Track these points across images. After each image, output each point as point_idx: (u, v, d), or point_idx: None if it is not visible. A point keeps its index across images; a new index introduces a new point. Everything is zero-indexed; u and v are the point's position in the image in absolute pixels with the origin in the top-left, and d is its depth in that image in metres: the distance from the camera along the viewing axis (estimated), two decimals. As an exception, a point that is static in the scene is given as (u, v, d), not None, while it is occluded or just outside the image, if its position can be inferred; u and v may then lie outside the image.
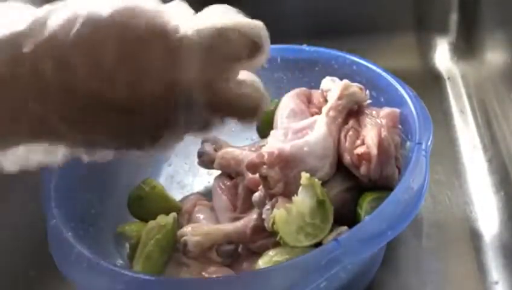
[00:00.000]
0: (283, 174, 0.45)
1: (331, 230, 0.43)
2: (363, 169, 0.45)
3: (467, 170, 0.62)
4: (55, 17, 0.28)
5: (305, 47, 0.60)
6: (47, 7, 0.29)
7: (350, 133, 0.47)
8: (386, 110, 0.49)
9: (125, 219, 0.53)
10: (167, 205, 0.53)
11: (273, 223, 0.42)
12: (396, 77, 0.52)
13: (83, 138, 0.31)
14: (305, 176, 0.43)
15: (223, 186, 0.55)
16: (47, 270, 0.46)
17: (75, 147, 0.32)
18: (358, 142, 0.47)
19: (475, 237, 0.55)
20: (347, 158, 0.46)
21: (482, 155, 0.64)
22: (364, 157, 0.45)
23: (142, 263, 0.47)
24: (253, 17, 0.35)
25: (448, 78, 0.77)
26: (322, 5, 0.83)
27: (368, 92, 0.50)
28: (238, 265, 0.49)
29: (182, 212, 0.54)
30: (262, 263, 0.43)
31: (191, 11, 0.32)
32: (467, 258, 0.53)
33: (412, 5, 0.82)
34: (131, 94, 0.29)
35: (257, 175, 0.46)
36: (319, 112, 0.50)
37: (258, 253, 0.46)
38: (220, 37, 0.30)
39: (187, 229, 0.48)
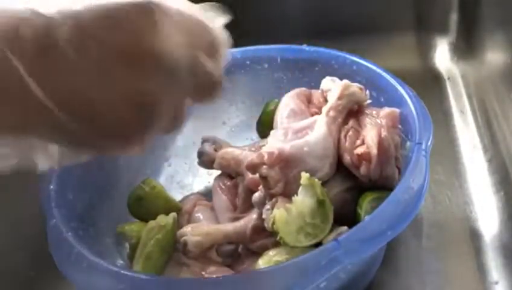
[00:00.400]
0: (283, 174, 0.45)
1: (331, 230, 0.43)
2: (363, 169, 0.45)
3: (467, 170, 0.62)
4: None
5: (305, 47, 0.60)
6: None
7: (350, 133, 0.47)
8: (386, 110, 0.49)
9: (125, 219, 0.53)
10: (167, 205, 0.53)
11: (273, 223, 0.42)
12: (396, 77, 0.52)
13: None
14: (305, 176, 0.43)
15: (223, 186, 0.55)
16: (47, 270, 0.46)
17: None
18: (358, 142, 0.47)
19: (475, 237, 0.55)
20: (347, 158, 0.46)
21: (482, 155, 0.64)
22: (364, 157, 0.45)
23: (142, 263, 0.47)
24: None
25: (448, 78, 0.77)
26: (322, 5, 0.83)
27: (368, 92, 0.50)
28: (238, 265, 0.49)
29: (182, 212, 0.54)
30: (262, 263, 0.43)
31: None
32: (467, 258, 0.53)
33: (412, 5, 0.82)
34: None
35: (257, 175, 0.46)
36: (319, 112, 0.50)
37: (258, 253, 0.46)
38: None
39: (187, 229, 0.48)
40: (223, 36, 0.35)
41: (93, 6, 0.29)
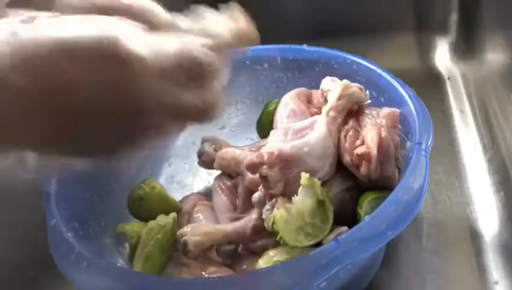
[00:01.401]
0: (283, 174, 0.45)
1: (331, 230, 0.43)
2: (363, 169, 0.45)
3: (467, 170, 0.62)
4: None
5: (305, 47, 0.60)
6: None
7: (350, 133, 0.47)
8: (385, 110, 0.49)
9: (125, 219, 0.53)
10: (167, 205, 0.53)
11: (273, 223, 0.42)
12: (396, 77, 0.52)
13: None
14: (305, 176, 0.43)
15: (223, 186, 0.55)
16: (47, 270, 0.46)
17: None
18: (358, 142, 0.47)
19: (475, 237, 0.55)
20: (347, 158, 0.46)
21: (482, 155, 0.64)
22: (364, 157, 0.45)
23: (142, 263, 0.47)
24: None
25: (448, 78, 0.77)
26: (322, 5, 0.83)
27: (367, 92, 0.50)
28: (238, 265, 0.49)
29: (182, 212, 0.54)
30: (262, 263, 0.43)
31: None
32: (467, 258, 0.53)
33: (412, 5, 0.82)
34: (87, 109, 0.29)
35: (257, 175, 0.46)
36: (319, 112, 0.50)
37: (258, 253, 0.46)
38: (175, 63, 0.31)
39: (187, 229, 0.48)
40: (218, 62, 0.33)
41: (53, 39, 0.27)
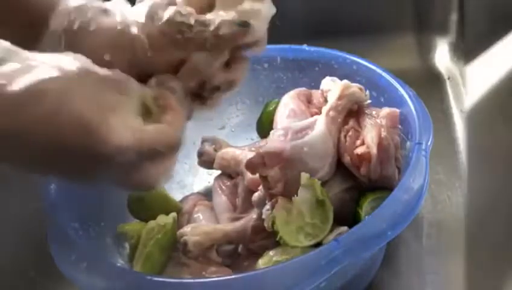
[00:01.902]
0: (283, 174, 0.45)
1: (331, 230, 0.43)
2: (363, 169, 0.45)
3: (467, 170, 0.62)
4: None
5: (305, 47, 0.60)
6: None
7: (350, 133, 0.47)
8: (385, 110, 0.49)
9: (125, 219, 0.53)
10: (167, 205, 0.53)
11: (273, 223, 0.42)
12: (396, 77, 0.52)
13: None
14: (305, 176, 0.43)
15: (223, 186, 0.55)
16: (47, 270, 0.46)
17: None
18: (358, 142, 0.47)
19: (475, 237, 0.55)
20: (347, 158, 0.46)
21: (482, 155, 0.64)
22: (365, 157, 0.45)
23: (142, 263, 0.47)
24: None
25: (448, 78, 0.77)
26: (322, 5, 0.83)
27: (367, 92, 0.50)
28: (238, 265, 0.49)
29: (182, 212, 0.54)
30: (262, 263, 0.43)
31: None
32: (466, 258, 0.53)
33: (412, 5, 0.82)
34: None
35: (257, 175, 0.46)
36: (319, 112, 0.50)
37: (258, 253, 0.46)
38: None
39: (187, 229, 0.48)
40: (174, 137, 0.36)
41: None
